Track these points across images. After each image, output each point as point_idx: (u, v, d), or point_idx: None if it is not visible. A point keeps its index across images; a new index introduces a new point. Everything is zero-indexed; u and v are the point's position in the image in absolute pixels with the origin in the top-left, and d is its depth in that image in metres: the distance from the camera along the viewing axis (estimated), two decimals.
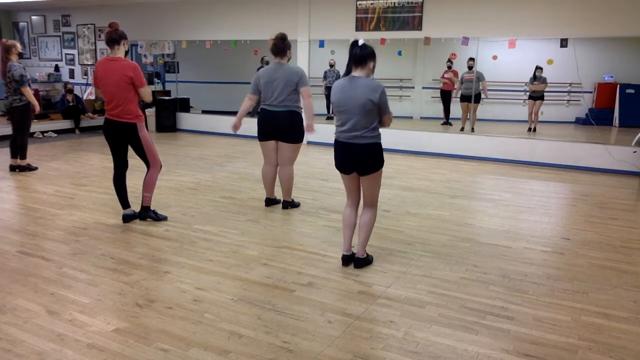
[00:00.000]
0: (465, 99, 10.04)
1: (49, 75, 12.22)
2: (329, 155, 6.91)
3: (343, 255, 3.69)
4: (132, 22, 11.31)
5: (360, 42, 3.31)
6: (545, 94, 10.31)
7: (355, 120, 3.31)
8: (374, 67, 3.37)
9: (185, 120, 11.17)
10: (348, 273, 3.52)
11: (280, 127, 4.81)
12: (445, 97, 11.15)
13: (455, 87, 10.72)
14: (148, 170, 4.55)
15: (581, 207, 5.44)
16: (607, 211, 5.27)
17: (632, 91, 11.27)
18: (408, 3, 8.33)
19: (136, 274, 3.44)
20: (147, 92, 4.34)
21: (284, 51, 4.75)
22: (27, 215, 4.77)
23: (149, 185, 4.55)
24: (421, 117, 12.71)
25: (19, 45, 6.44)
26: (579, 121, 12.00)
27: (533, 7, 7.55)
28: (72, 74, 12.40)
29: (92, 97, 11.68)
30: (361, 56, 3.29)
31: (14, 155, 6.60)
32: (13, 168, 6.60)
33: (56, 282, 3.30)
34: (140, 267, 3.57)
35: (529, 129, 10.34)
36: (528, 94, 10.50)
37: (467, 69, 10.02)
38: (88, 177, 6.31)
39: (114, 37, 4.23)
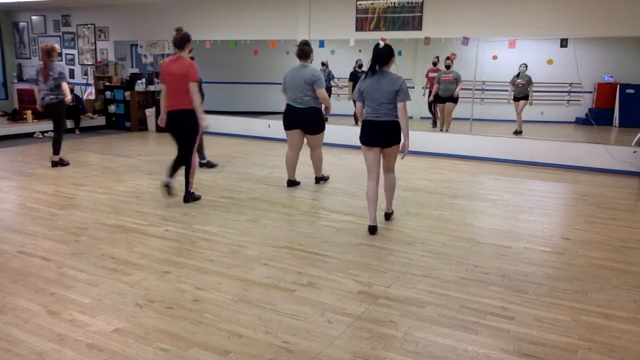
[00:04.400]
0: (441, 100, 9.61)
1: None
2: (330, 156, 6.90)
3: (370, 225, 4.35)
4: (132, 22, 11.32)
5: (382, 45, 4.20)
6: (544, 93, 10.17)
7: (382, 104, 4.20)
8: (393, 61, 4.27)
9: None
10: (348, 273, 3.52)
11: (304, 121, 5.69)
12: (434, 97, 10.41)
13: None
14: (190, 161, 5.13)
15: (581, 207, 5.44)
16: (607, 211, 5.27)
17: (632, 91, 11.26)
18: (408, 3, 8.33)
19: (136, 274, 3.44)
20: (194, 87, 4.89)
21: (308, 55, 5.66)
22: (27, 215, 4.77)
23: (194, 171, 5.22)
24: (421, 117, 12.70)
25: (57, 47, 6.91)
26: (579, 121, 12.00)
27: (533, 7, 7.55)
28: (72, 74, 12.39)
29: (92, 97, 11.68)
30: (386, 57, 4.21)
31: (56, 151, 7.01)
32: (54, 164, 6.98)
33: (56, 282, 3.30)
34: (140, 267, 3.57)
35: (514, 132, 9.64)
36: (513, 94, 9.90)
37: (445, 69, 9.58)
38: (88, 177, 6.31)
39: (179, 41, 4.98)
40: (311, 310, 2.98)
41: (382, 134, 4.26)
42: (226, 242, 4.12)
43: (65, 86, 6.73)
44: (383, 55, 4.20)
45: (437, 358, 2.51)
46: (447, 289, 3.29)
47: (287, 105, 5.76)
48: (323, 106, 5.74)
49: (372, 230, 4.35)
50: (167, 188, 5.07)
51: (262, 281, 3.37)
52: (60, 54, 7.06)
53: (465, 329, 2.79)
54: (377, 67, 4.21)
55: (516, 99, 9.78)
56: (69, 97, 6.81)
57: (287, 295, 3.17)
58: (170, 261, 3.68)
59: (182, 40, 4.97)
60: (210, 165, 7.04)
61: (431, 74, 10.48)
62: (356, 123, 8.95)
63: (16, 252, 3.81)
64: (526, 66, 9.62)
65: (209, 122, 5.03)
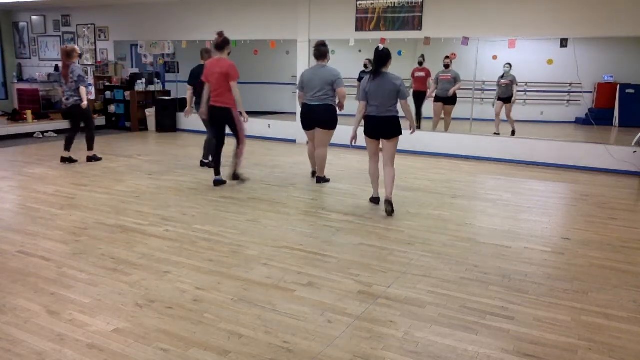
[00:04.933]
0: (439, 99, 9.47)
1: (49, 75, 12.21)
2: (330, 156, 6.90)
3: (372, 197, 5.30)
4: (132, 22, 11.32)
5: (381, 48, 4.80)
6: (544, 93, 10.13)
7: (384, 101, 4.81)
8: (390, 62, 4.85)
9: (185, 120, 11.15)
10: (348, 273, 3.52)
11: (318, 117, 5.87)
12: (418, 98, 10.13)
13: (429, 87, 9.85)
14: (238, 145, 5.80)
15: (581, 207, 5.44)
16: (607, 211, 5.27)
17: (632, 91, 11.26)
18: (408, 3, 8.33)
19: (136, 274, 3.44)
20: (234, 85, 5.58)
21: (325, 55, 5.86)
22: (27, 215, 4.77)
23: (239, 155, 5.84)
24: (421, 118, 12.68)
25: (77, 49, 7.02)
26: (579, 121, 12.00)
27: (533, 7, 7.55)
28: None
29: (92, 97, 11.68)
30: (385, 59, 4.81)
31: (67, 148, 7.13)
32: (63, 160, 7.14)
33: (56, 282, 3.30)
34: (140, 267, 3.57)
35: (512, 132, 9.33)
36: (497, 94, 9.71)
37: (443, 68, 9.45)
38: (88, 177, 6.31)
39: (221, 44, 5.64)
40: (311, 310, 2.98)
41: (383, 128, 4.88)
42: (226, 242, 4.12)
43: (82, 90, 6.82)
44: (383, 58, 4.78)
45: (437, 358, 2.51)
46: (447, 289, 3.29)
47: (304, 104, 5.97)
48: (336, 101, 5.90)
49: (376, 202, 5.19)
50: (219, 183, 5.93)
51: (262, 281, 3.37)
52: (80, 55, 7.11)
53: (465, 329, 2.79)
54: (378, 69, 4.77)
55: (500, 99, 9.57)
56: (84, 102, 6.84)
57: (287, 295, 3.17)
58: (170, 261, 3.68)
59: (223, 44, 5.62)
60: (212, 165, 7.03)
61: (417, 74, 10.21)
62: None
63: (16, 252, 3.82)
64: (510, 66, 9.47)
65: (247, 117, 5.77)
